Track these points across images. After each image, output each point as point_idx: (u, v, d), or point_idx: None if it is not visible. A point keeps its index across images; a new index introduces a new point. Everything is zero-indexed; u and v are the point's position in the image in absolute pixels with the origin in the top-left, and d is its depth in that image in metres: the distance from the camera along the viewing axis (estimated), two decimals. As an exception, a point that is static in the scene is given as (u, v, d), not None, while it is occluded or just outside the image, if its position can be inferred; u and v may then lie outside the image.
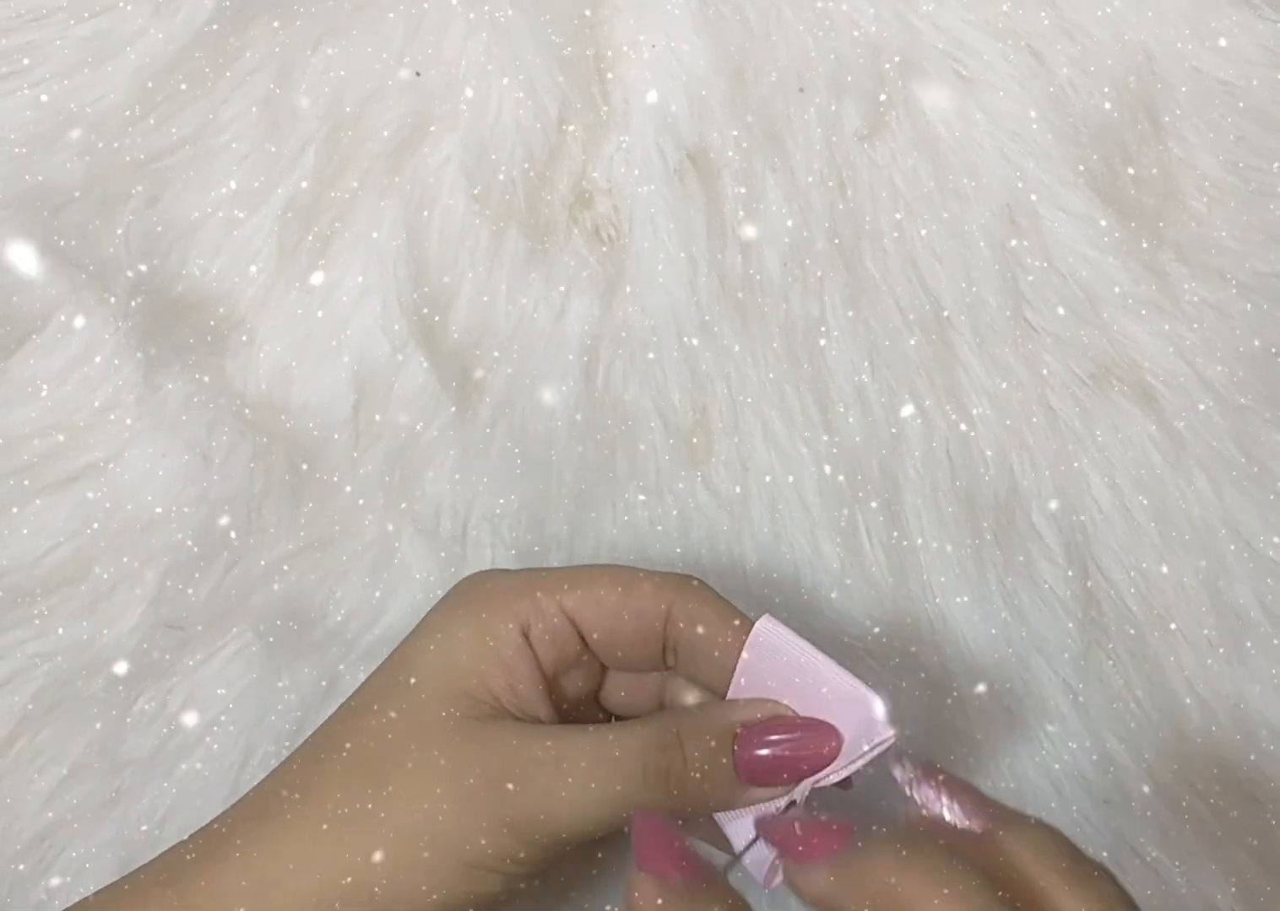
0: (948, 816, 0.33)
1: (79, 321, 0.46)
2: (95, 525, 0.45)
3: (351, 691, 0.39)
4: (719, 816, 0.38)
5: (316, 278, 0.46)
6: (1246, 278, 0.46)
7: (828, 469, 0.46)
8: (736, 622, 0.38)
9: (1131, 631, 0.45)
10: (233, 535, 0.45)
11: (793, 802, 0.37)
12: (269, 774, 0.37)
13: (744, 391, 0.47)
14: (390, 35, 0.47)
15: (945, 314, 0.46)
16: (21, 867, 0.44)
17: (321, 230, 0.46)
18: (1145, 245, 0.46)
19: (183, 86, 0.46)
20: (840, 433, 0.46)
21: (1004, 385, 0.46)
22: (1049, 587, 0.46)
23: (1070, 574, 0.45)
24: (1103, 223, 0.46)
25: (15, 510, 0.45)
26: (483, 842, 0.34)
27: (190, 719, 0.45)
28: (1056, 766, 0.45)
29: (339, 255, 0.47)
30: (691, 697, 0.39)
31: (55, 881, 0.44)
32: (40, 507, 0.45)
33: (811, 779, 0.36)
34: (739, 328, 0.47)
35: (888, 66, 0.47)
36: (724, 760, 0.36)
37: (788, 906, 0.45)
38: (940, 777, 0.33)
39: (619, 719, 0.42)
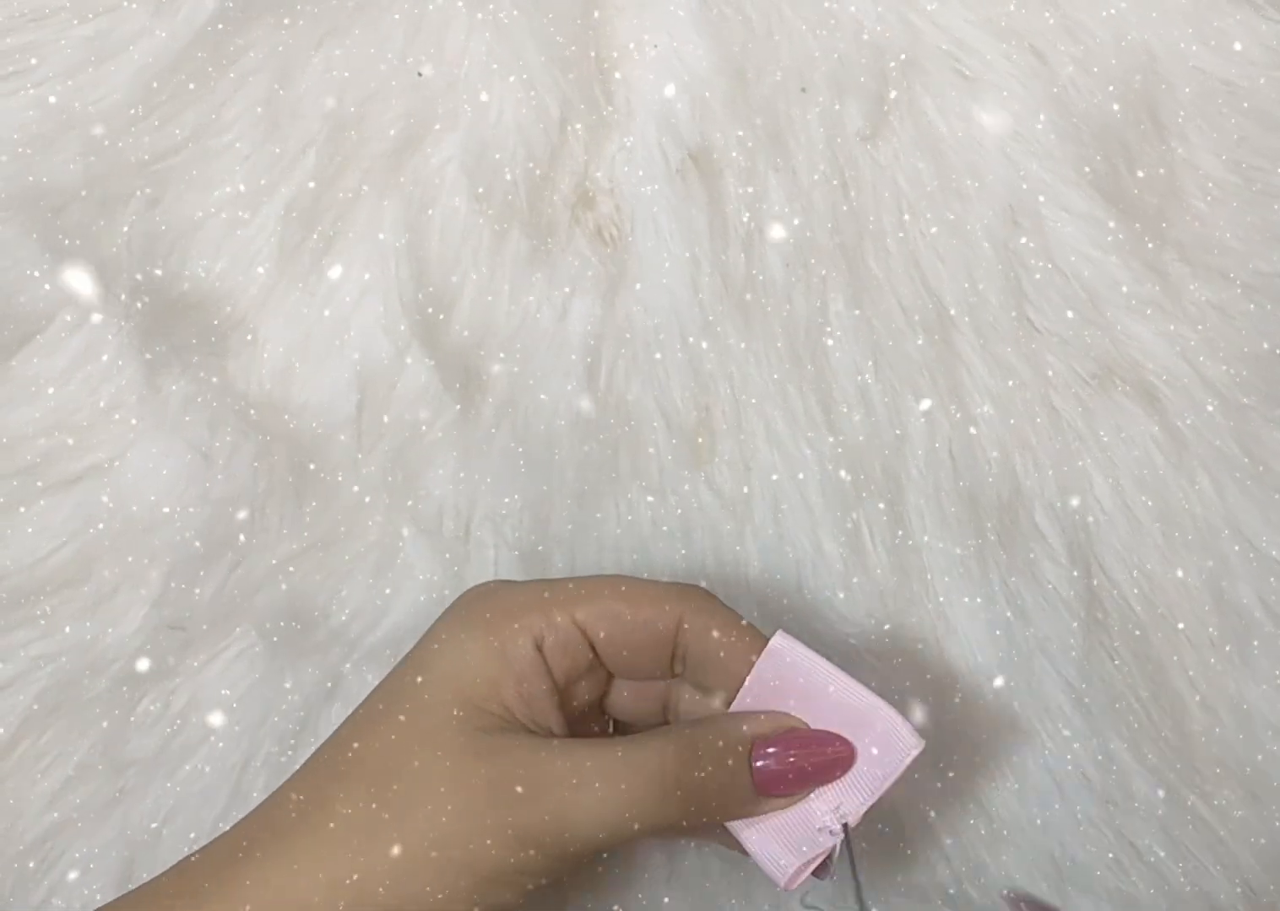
0: None
1: (83, 322, 0.46)
2: (98, 525, 0.45)
3: (354, 692, 0.39)
4: (732, 825, 0.38)
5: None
6: (1249, 278, 0.46)
7: (831, 469, 0.46)
8: (746, 635, 0.38)
9: (1134, 631, 0.45)
10: (235, 535, 0.45)
11: (845, 825, 0.37)
12: (282, 785, 0.37)
13: (747, 391, 0.47)
14: (392, 35, 0.47)
15: (951, 313, 0.46)
16: (25, 867, 0.44)
17: (324, 230, 0.46)
18: (1148, 245, 0.46)
19: (184, 86, 0.46)
20: (843, 433, 0.46)
21: (1007, 385, 0.46)
22: (1052, 587, 0.46)
23: (1073, 574, 0.46)
24: (1105, 222, 0.46)
25: (18, 510, 0.45)
26: (493, 850, 0.34)
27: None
28: (1059, 766, 0.45)
29: (341, 255, 0.46)
30: (700, 706, 0.40)
31: (58, 881, 0.44)
32: (43, 508, 0.45)
33: (864, 801, 0.37)
34: (742, 327, 0.47)
35: (890, 66, 0.47)
36: (740, 772, 0.37)
37: (788, 905, 0.45)
38: None
39: (623, 725, 0.42)
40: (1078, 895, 0.45)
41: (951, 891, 0.45)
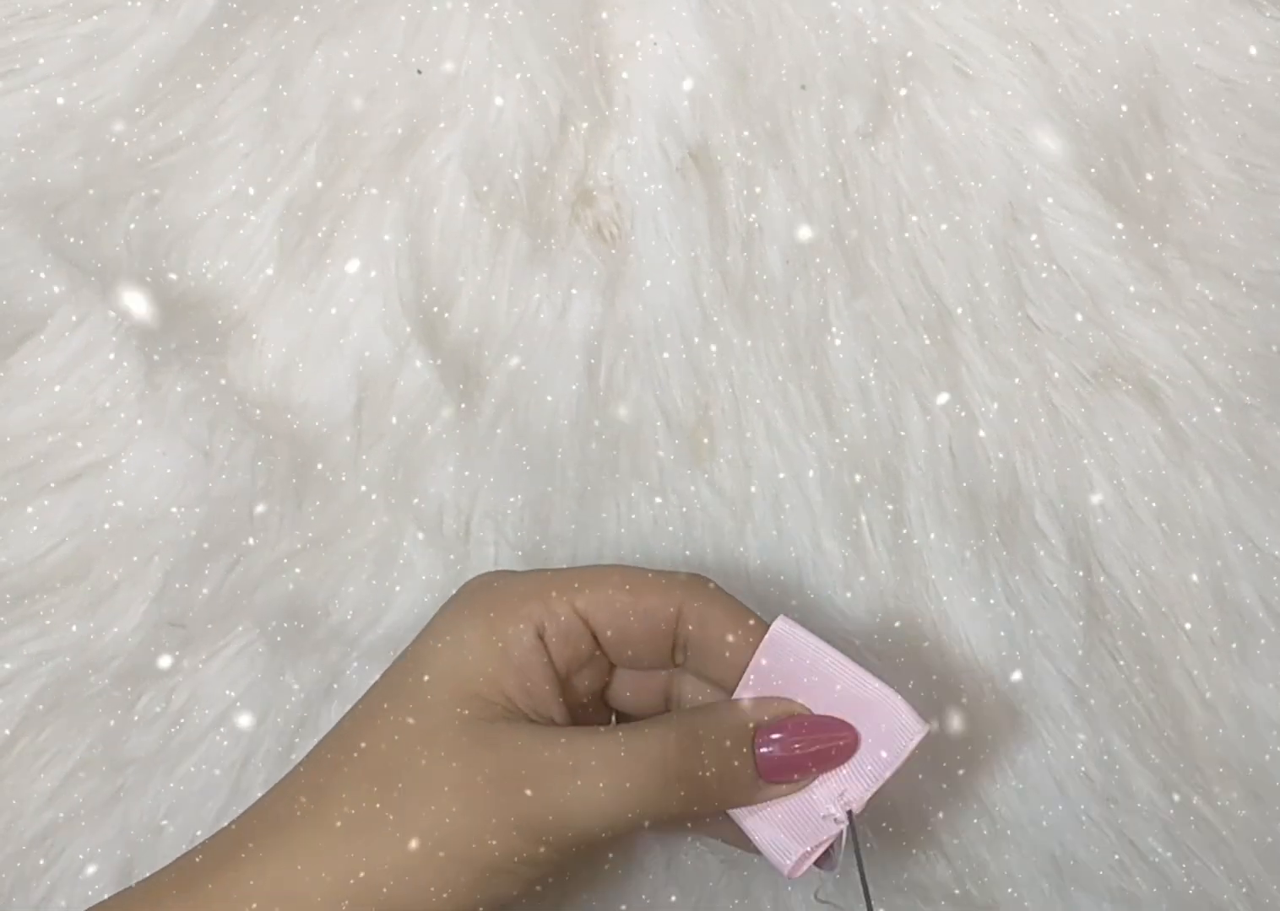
0: None
1: (82, 321, 0.46)
2: (98, 524, 0.45)
3: (355, 690, 0.39)
4: (734, 812, 0.38)
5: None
6: (1250, 276, 0.46)
7: (831, 467, 0.46)
8: (749, 622, 0.38)
9: (1136, 630, 0.45)
10: (236, 534, 0.45)
11: (850, 812, 0.37)
12: (282, 779, 0.37)
13: (747, 390, 0.47)
14: (392, 34, 0.47)
15: (952, 312, 0.46)
16: (24, 866, 0.44)
17: (324, 229, 0.46)
18: (1149, 244, 0.46)
19: (184, 85, 0.46)
20: (844, 431, 0.46)
21: (1008, 384, 0.46)
22: (1053, 586, 0.46)
23: (1074, 572, 0.45)
24: (1107, 221, 0.46)
25: (18, 509, 0.45)
26: (496, 845, 0.34)
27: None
28: (1061, 765, 0.45)
29: (341, 254, 0.46)
30: (701, 695, 0.40)
31: (58, 879, 0.44)
32: (43, 506, 0.45)
33: (868, 787, 0.37)
34: (742, 326, 0.47)
35: (891, 65, 0.47)
36: (743, 759, 0.37)
37: (789, 905, 0.45)
38: None
39: (625, 716, 0.42)
40: (1079, 894, 0.45)
41: (954, 891, 0.45)
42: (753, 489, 0.46)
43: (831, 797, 0.37)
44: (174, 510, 0.45)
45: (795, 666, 0.38)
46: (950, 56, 0.47)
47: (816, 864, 0.38)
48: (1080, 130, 0.46)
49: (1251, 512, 0.46)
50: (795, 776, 0.37)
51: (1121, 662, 0.45)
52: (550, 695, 0.37)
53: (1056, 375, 0.46)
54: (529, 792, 0.34)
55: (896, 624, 0.46)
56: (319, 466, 0.46)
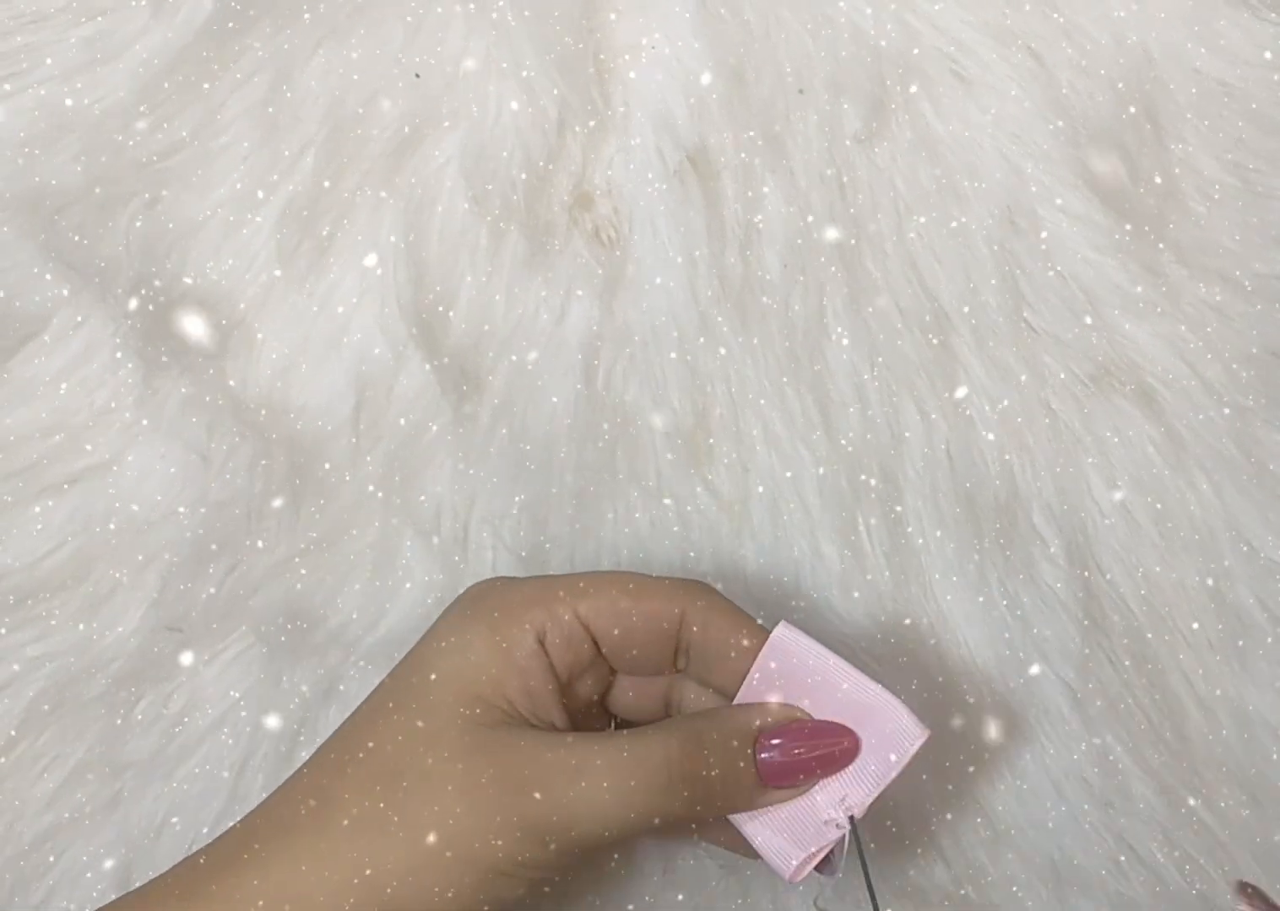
0: None
1: (82, 322, 0.46)
2: (97, 526, 0.45)
3: (355, 692, 0.39)
4: (735, 817, 0.38)
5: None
6: (1247, 279, 0.46)
7: (829, 470, 0.46)
8: (749, 628, 0.38)
9: (1134, 633, 0.45)
10: (234, 536, 0.45)
11: (851, 817, 0.37)
12: (285, 782, 0.37)
13: (746, 393, 0.47)
14: (390, 37, 0.47)
15: (949, 314, 0.46)
16: (24, 868, 0.44)
17: (322, 231, 0.46)
18: (1145, 246, 0.46)
19: (185, 87, 0.46)
20: (842, 434, 0.46)
21: (1006, 386, 0.46)
22: (1050, 589, 0.46)
23: (1073, 575, 0.45)
24: (1103, 224, 0.46)
25: (17, 511, 0.45)
26: (500, 846, 0.34)
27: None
28: (1059, 768, 0.45)
29: (339, 256, 0.47)
30: (703, 701, 0.40)
31: (58, 882, 0.44)
32: (41, 509, 0.45)
33: (870, 792, 0.37)
34: (739, 329, 0.47)
35: (888, 68, 0.47)
36: (744, 764, 0.37)
37: (788, 903, 0.45)
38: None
39: (625, 722, 0.42)
40: (1078, 897, 0.45)
41: (953, 893, 0.45)
42: (748, 491, 0.46)
43: (833, 802, 0.37)
44: (174, 512, 0.45)
45: (796, 671, 0.38)
46: (948, 59, 0.47)
47: (817, 869, 0.38)
48: (1078, 133, 0.46)
49: (1250, 515, 0.46)
50: (797, 781, 0.37)
51: (1120, 666, 0.45)
52: (552, 700, 0.38)
53: (1054, 378, 0.46)
54: (533, 794, 0.35)
55: (895, 627, 0.46)
56: (318, 468, 0.46)
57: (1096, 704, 0.45)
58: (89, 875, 0.44)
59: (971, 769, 0.45)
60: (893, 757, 0.37)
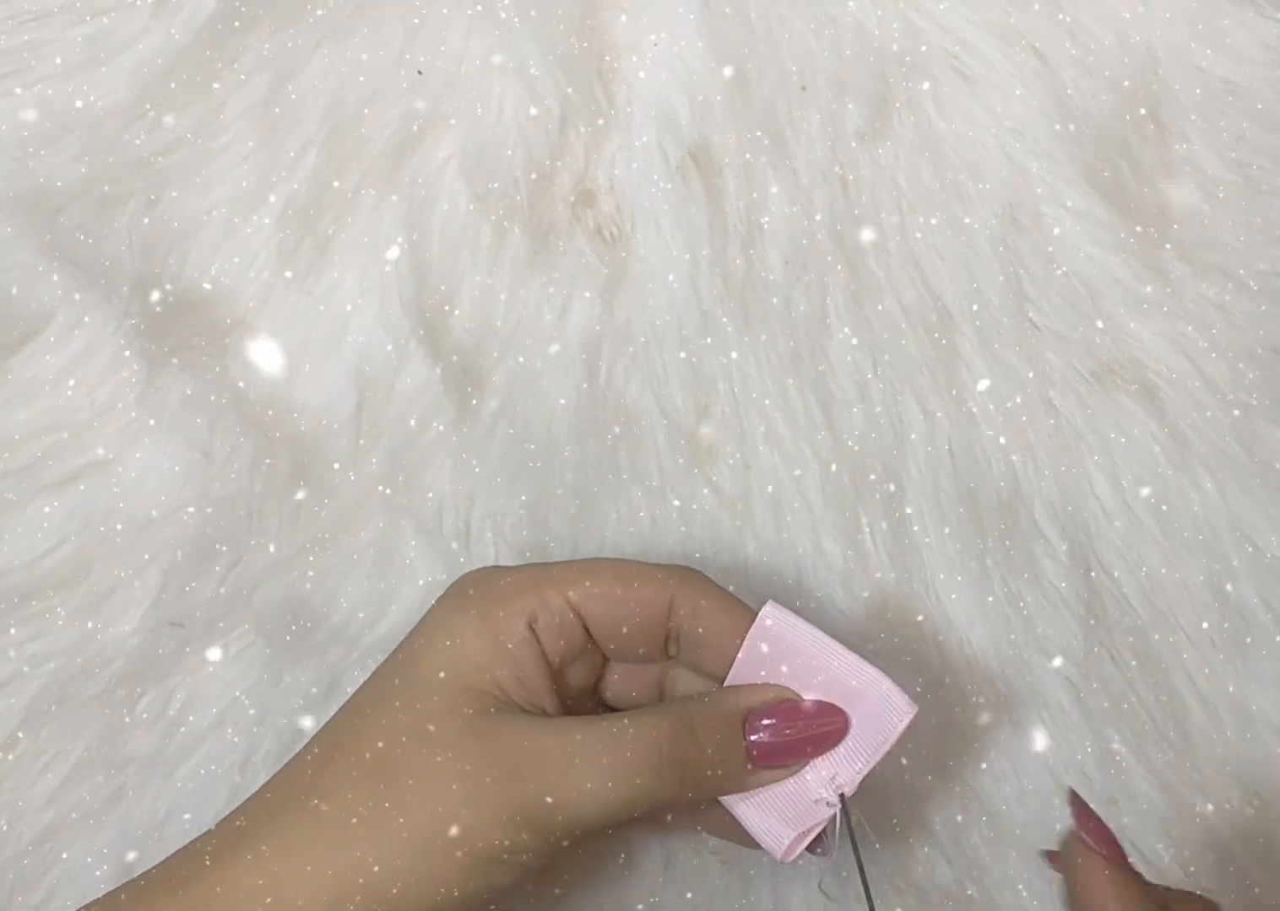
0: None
1: (83, 321, 0.46)
2: (97, 524, 0.45)
3: (354, 690, 0.39)
4: (726, 799, 0.38)
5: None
6: (1249, 276, 0.46)
7: (831, 468, 0.46)
8: (739, 612, 0.39)
9: (1135, 631, 0.45)
10: (235, 534, 0.45)
11: (842, 795, 0.38)
12: (278, 773, 0.37)
13: (747, 390, 0.47)
14: (391, 35, 0.47)
15: (952, 312, 0.46)
16: (24, 867, 0.44)
17: (322, 230, 0.46)
18: (1147, 244, 0.46)
19: (182, 87, 0.46)
20: (844, 432, 0.46)
21: (1008, 384, 0.46)
22: (1052, 586, 0.46)
23: (1074, 573, 0.45)
24: (1106, 222, 0.46)
25: (18, 509, 0.45)
26: (494, 835, 0.34)
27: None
28: (1061, 766, 0.45)
29: (339, 255, 0.46)
30: (694, 687, 0.40)
31: (57, 881, 0.44)
32: (43, 507, 0.45)
33: (860, 769, 0.37)
34: (741, 327, 0.47)
35: (891, 66, 0.47)
36: (735, 745, 0.37)
37: (789, 902, 0.45)
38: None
39: (617, 710, 0.42)
40: (1079, 896, 0.45)
41: (957, 891, 0.45)
42: (750, 489, 0.46)
43: (823, 781, 0.37)
44: (176, 510, 0.45)
45: (784, 652, 0.38)
46: (951, 58, 0.47)
47: (810, 849, 0.38)
48: (1081, 131, 0.46)
49: (1252, 513, 0.46)
50: (787, 762, 0.38)
51: (1123, 664, 0.45)
52: (543, 687, 0.38)
53: (1058, 376, 0.46)
54: (524, 779, 0.35)
55: (898, 625, 0.46)
56: (320, 467, 0.46)
57: (1098, 701, 0.45)
58: (90, 873, 0.44)
59: (973, 766, 0.45)
60: (882, 735, 0.37)
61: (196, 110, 0.46)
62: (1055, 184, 0.47)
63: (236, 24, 0.46)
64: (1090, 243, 0.46)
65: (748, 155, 0.47)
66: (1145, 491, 0.46)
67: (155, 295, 0.45)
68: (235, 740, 0.45)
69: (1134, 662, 0.45)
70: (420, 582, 0.46)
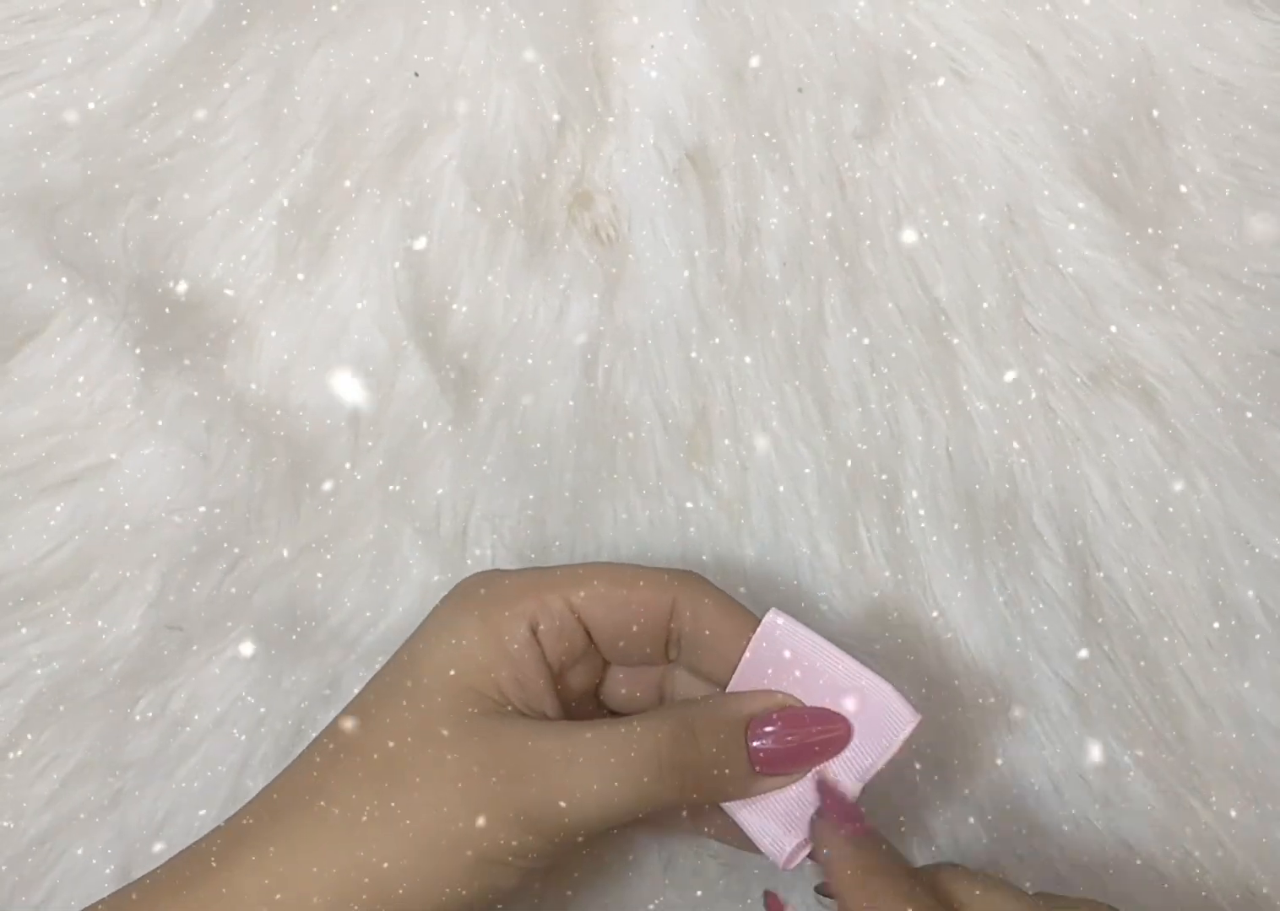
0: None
1: (83, 322, 0.46)
2: (96, 526, 0.45)
3: (353, 692, 0.39)
4: (728, 805, 0.38)
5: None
6: (1246, 277, 0.46)
7: (828, 469, 0.46)
8: (740, 616, 0.39)
9: (1133, 632, 0.45)
10: (234, 536, 0.45)
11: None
12: (282, 773, 0.37)
13: (745, 391, 0.47)
14: (390, 36, 0.47)
15: (948, 313, 0.46)
16: (24, 868, 0.44)
17: (320, 231, 0.46)
18: (1144, 245, 0.46)
19: (182, 87, 0.46)
20: (841, 433, 0.46)
21: (1005, 385, 0.46)
22: (1050, 588, 0.46)
23: (1072, 574, 0.45)
24: (1102, 222, 0.46)
25: (17, 511, 0.45)
26: (497, 837, 0.35)
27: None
28: (1056, 766, 0.45)
29: (338, 256, 0.47)
30: (695, 691, 0.40)
31: (57, 882, 0.44)
32: (40, 509, 0.45)
33: (862, 776, 0.37)
34: (739, 327, 0.47)
35: (888, 67, 0.47)
36: (737, 751, 0.37)
37: (790, 901, 0.45)
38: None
39: (618, 714, 0.42)
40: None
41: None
42: (747, 490, 0.46)
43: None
44: (175, 511, 0.45)
45: (787, 658, 0.38)
46: (948, 58, 0.47)
47: (811, 856, 0.38)
48: (1078, 132, 0.46)
49: (1249, 515, 0.46)
50: (789, 768, 0.37)
51: (1120, 665, 0.45)
52: (544, 690, 0.38)
53: (1054, 377, 0.46)
54: (525, 782, 0.35)
55: (894, 626, 0.46)
56: (319, 467, 0.46)
57: (1094, 702, 0.45)
58: (90, 874, 0.44)
59: (970, 767, 0.45)
60: (885, 742, 0.37)
61: (196, 110, 0.46)
62: (1053, 185, 0.47)
63: (236, 24, 0.46)
64: (1088, 244, 0.46)
65: (744, 156, 0.47)
66: (1143, 493, 0.46)
67: (155, 295, 0.45)
68: (236, 741, 0.45)
69: (1132, 664, 0.45)
70: (420, 583, 0.46)
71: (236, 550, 0.45)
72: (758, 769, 0.37)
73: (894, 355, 0.46)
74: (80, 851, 0.44)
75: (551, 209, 0.47)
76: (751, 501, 0.46)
